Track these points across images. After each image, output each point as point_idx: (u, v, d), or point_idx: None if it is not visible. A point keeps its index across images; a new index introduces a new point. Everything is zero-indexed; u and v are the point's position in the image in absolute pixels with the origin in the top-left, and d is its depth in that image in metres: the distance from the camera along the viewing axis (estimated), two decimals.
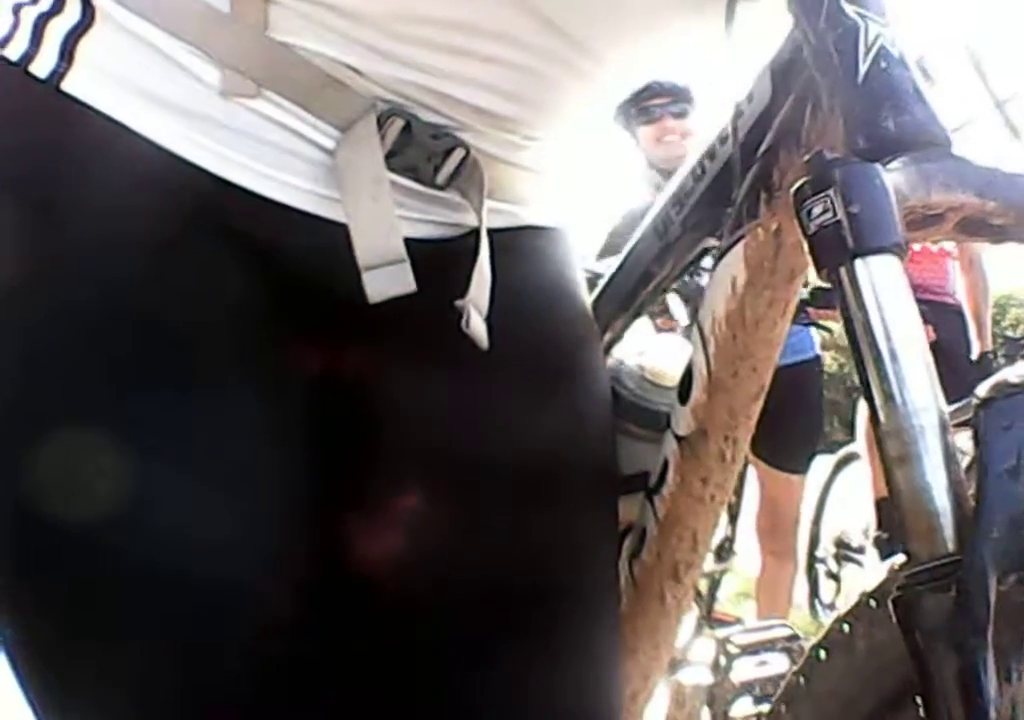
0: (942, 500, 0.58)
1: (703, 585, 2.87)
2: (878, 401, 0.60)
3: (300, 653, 0.76)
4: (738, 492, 3.26)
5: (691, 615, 2.37)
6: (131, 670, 0.73)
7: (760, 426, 2.92)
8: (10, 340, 0.75)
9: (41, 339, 0.74)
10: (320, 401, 0.81)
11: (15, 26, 0.78)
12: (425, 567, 0.84)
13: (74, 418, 0.73)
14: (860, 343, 0.61)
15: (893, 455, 0.59)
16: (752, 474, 3.32)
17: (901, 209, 0.64)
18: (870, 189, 0.61)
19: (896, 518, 0.60)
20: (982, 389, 0.60)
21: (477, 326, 0.80)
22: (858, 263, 0.61)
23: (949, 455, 0.59)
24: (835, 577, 4.68)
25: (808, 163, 0.63)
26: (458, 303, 0.79)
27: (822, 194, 0.62)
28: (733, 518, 3.24)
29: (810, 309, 2.87)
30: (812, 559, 4.65)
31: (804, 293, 3.15)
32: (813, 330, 3.16)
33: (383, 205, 0.78)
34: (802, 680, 0.81)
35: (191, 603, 0.73)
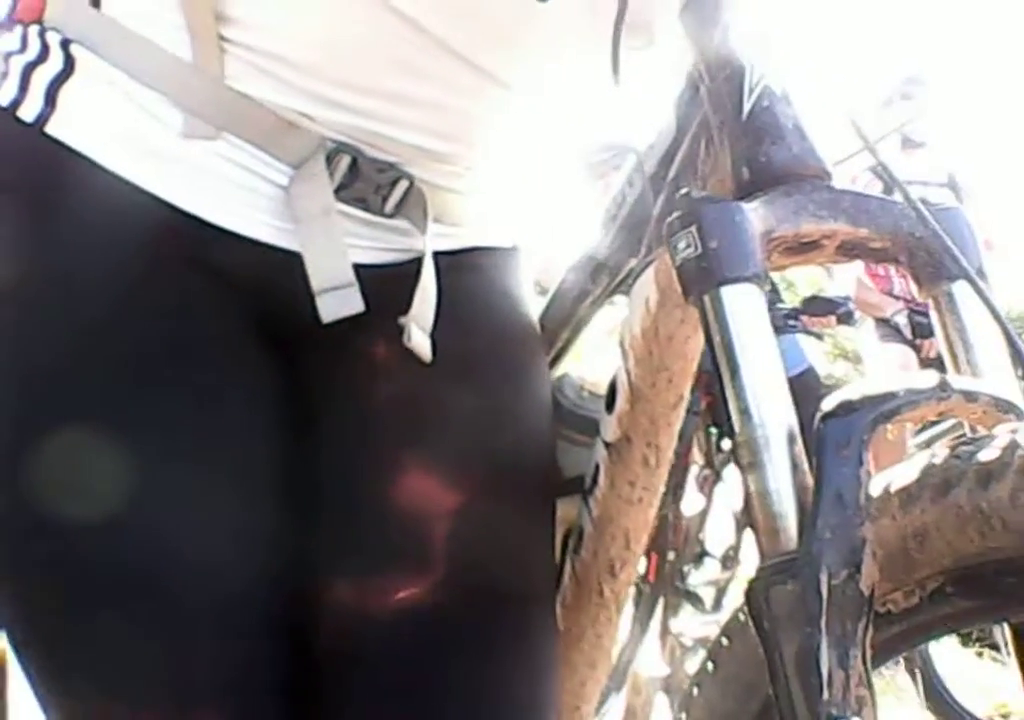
0: (787, 503, 0.65)
1: (709, 593, 2.91)
2: (733, 414, 0.67)
3: (276, 649, 0.84)
4: (746, 502, 3.29)
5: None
6: (126, 661, 0.80)
7: None
8: (8, 351, 0.82)
9: (36, 351, 0.82)
10: (287, 406, 0.88)
11: (5, 74, 0.87)
12: (376, 562, 0.90)
13: (66, 421, 0.80)
14: (719, 362, 0.68)
15: (744, 462, 0.66)
16: None
17: (765, 241, 0.71)
18: (729, 226, 0.69)
19: (749, 518, 0.67)
20: (827, 403, 0.67)
21: (419, 341, 0.88)
22: (718, 291, 0.68)
23: (795, 464, 0.66)
24: None
25: (677, 201, 0.70)
26: (401, 320, 0.87)
27: (686, 230, 0.69)
28: (740, 528, 3.29)
29: (804, 317, 2.92)
30: None
31: (796, 303, 3.20)
32: (804, 340, 3.19)
33: (333, 234, 0.86)
34: (710, 665, 0.88)
35: (187, 600, 0.79)
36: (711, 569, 3.08)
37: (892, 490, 0.70)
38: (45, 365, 0.82)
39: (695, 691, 0.89)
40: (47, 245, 0.83)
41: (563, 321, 1.08)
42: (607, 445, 0.98)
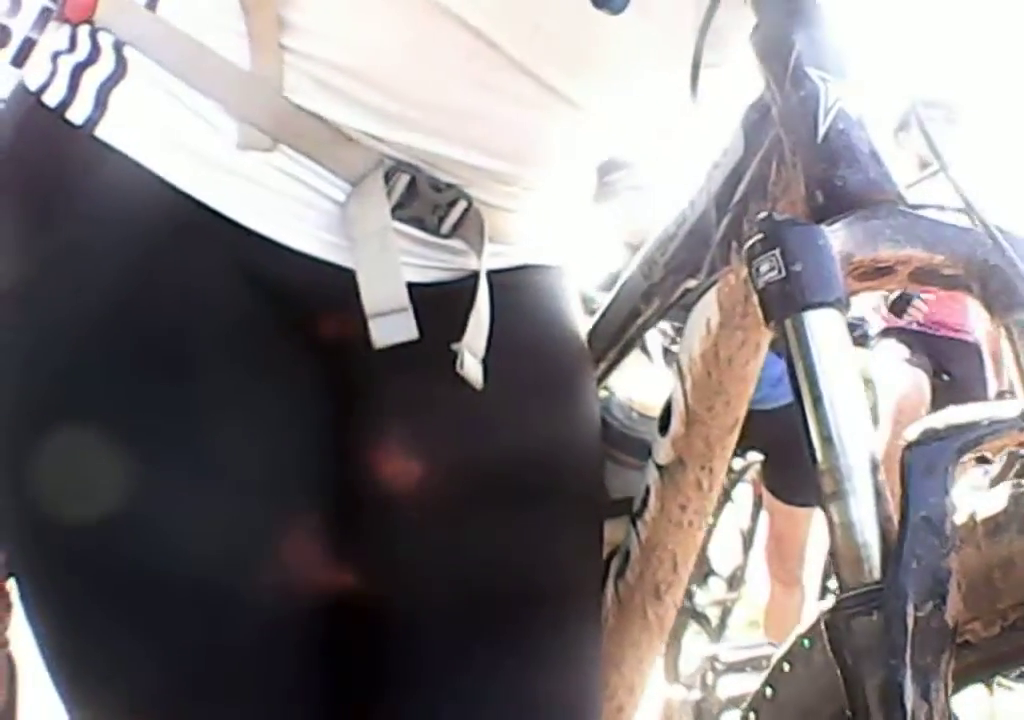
0: (870, 533, 0.64)
1: (715, 612, 2.92)
2: (816, 442, 0.66)
3: (293, 650, 0.83)
4: (752, 523, 3.32)
5: (702, 641, 2.43)
6: (134, 663, 0.81)
7: (769, 460, 2.99)
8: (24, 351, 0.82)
9: (59, 355, 0.82)
10: (320, 411, 0.88)
11: (53, 73, 0.86)
12: (410, 567, 0.91)
13: (76, 419, 0.80)
14: (801, 389, 0.67)
15: (827, 491, 0.65)
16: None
17: (846, 265, 0.70)
18: (812, 249, 0.67)
19: (831, 548, 0.66)
20: (911, 432, 0.66)
21: (471, 368, 0.87)
22: (801, 316, 0.67)
23: (878, 493, 0.65)
24: None
25: (759, 223, 0.69)
26: (454, 346, 0.86)
27: (769, 253, 0.68)
28: (746, 548, 3.30)
29: None
30: (824, 589, 4.70)
31: None
32: None
33: (389, 255, 0.84)
34: (768, 690, 0.87)
35: (195, 601, 0.80)
36: (717, 589, 3.09)
37: (978, 519, 0.69)
38: (69, 361, 0.82)
39: (752, 716, 0.88)
40: (89, 250, 0.83)
41: (611, 341, 1.08)
42: (659, 468, 0.98)
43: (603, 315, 1.08)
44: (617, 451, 1.04)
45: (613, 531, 1.04)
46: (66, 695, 0.82)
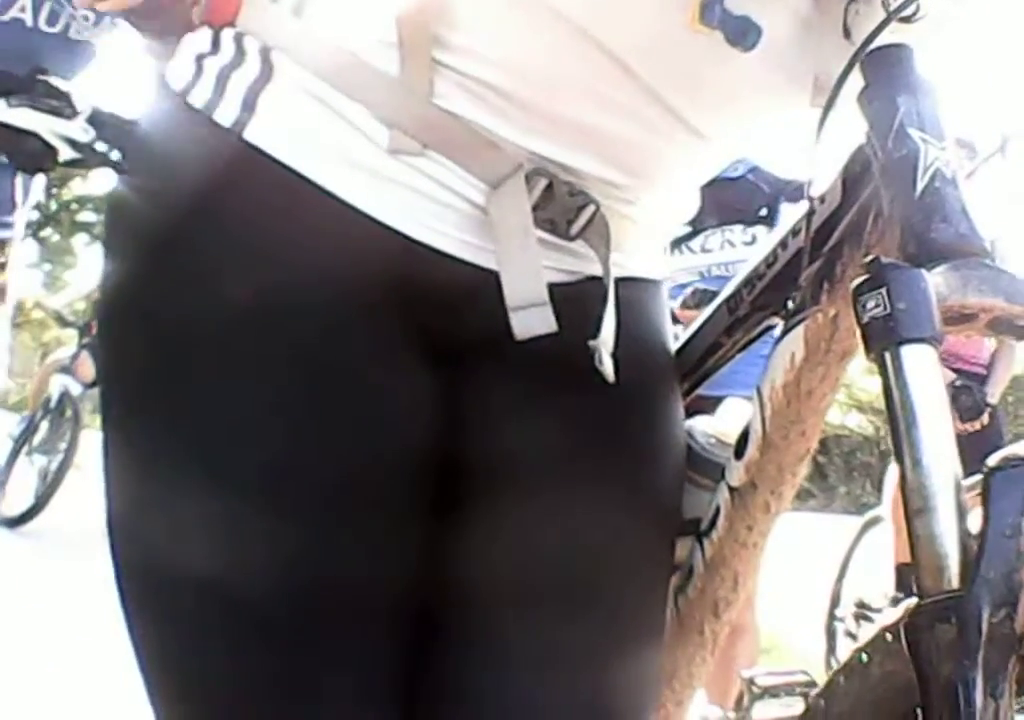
0: (951, 546, 0.72)
1: None
2: (907, 463, 0.74)
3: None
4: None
5: None
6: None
7: None
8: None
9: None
10: (450, 421, 0.93)
11: (198, 74, 0.91)
12: (499, 567, 0.95)
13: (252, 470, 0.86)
14: (896, 414, 0.74)
15: (914, 508, 0.73)
16: None
17: (940, 308, 0.77)
18: (915, 291, 0.75)
19: (913, 559, 0.73)
20: (993, 459, 0.73)
21: (607, 363, 0.93)
22: (900, 349, 0.75)
23: (960, 510, 0.72)
24: (853, 636, 4.76)
25: (867, 265, 0.77)
26: (591, 343, 0.92)
27: (876, 291, 0.75)
28: None
29: None
30: (832, 617, 4.75)
31: None
32: None
33: (530, 254, 0.89)
34: (823, 702, 0.92)
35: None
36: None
37: None
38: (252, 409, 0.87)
39: None
40: (238, 245, 0.87)
41: (690, 370, 1.14)
42: (731, 489, 1.04)
43: (684, 345, 1.15)
44: (693, 473, 1.11)
45: (679, 549, 1.10)
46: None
